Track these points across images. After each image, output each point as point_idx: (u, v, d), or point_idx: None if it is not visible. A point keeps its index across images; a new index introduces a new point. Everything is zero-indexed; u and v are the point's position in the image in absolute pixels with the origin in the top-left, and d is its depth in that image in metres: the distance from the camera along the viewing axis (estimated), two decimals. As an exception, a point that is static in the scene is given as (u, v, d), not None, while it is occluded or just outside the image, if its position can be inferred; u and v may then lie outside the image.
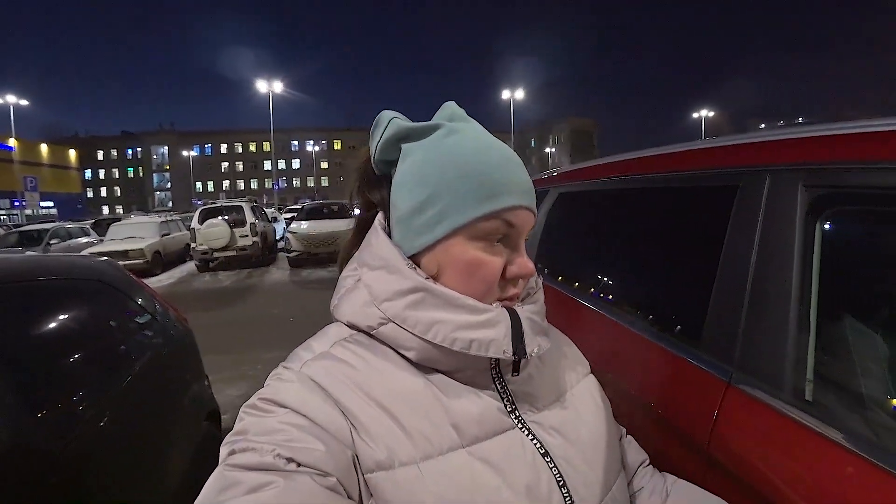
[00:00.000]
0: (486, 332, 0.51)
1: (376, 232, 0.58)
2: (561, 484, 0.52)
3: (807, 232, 0.83)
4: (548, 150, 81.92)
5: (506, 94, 33.36)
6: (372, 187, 0.62)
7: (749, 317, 0.86)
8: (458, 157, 0.53)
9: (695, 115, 50.63)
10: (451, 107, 0.61)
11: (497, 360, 0.55)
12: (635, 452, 0.73)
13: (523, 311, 0.55)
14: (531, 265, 0.55)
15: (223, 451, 0.46)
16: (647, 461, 0.73)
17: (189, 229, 12.65)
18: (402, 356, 0.54)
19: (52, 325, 1.48)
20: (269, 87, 28.99)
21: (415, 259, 0.55)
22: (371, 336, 0.56)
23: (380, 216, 0.60)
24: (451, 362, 0.53)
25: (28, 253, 2.33)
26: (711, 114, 51.07)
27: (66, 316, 1.56)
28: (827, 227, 0.82)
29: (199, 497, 0.42)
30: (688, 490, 0.67)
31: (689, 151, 1.18)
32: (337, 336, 0.57)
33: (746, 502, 0.73)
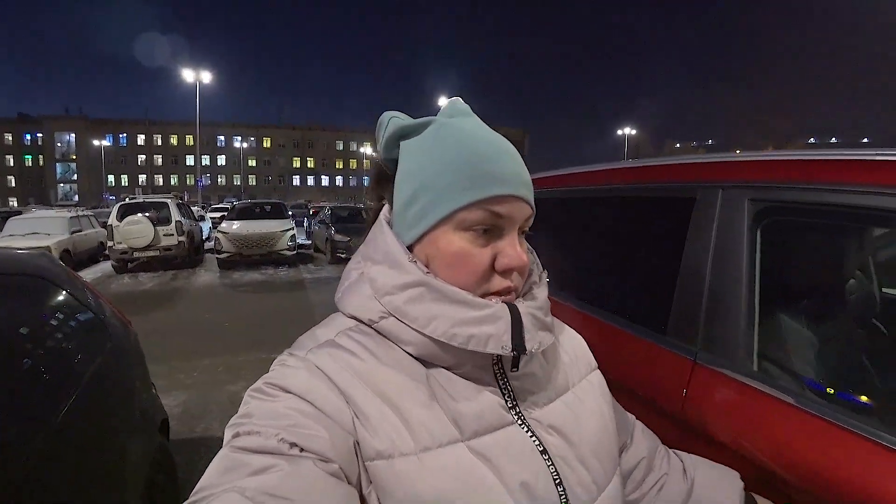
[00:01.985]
0: (485, 327, 0.51)
1: (380, 225, 0.59)
2: (557, 482, 0.52)
3: (752, 238, 1.02)
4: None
5: (442, 101, 33.77)
6: (382, 185, 0.63)
7: (708, 307, 1.04)
8: (444, 150, 0.54)
9: (619, 132, 54.05)
10: (454, 102, 0.61)
11: (499, 356, 0.55)
12: (649, 439, 0.76)
13: (524, 306, 0.54)
14: (524, 257, 0.53)
15: (228, 432, 0.47)
16: (660, 445, 0.77)
17: (104, 226, 11.68)
18: (404, 350, 0.55)
19: (10, 324, 1.38)
20: (197, 76, 27.42)
21: (410, 251, 0.56)
22: (374, 329, 0.56)
23: (385, 210, 0.61)
24: (451, 357, 0.53)
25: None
26: (634, 132, 54.78)
27: (20, 316, 1.45)
28: (767, 234, 1.02)
29: (203, 477, 0.43)
30: (707, 469, 0.75)
31: (654, 166, 1.35)
32: (342, 325, 0.57)
33: (717, 453, 0.87)
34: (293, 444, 0.43)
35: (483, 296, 0.53)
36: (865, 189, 0.85)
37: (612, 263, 1.50)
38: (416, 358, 0.54)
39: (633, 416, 0.78)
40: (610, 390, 1.17)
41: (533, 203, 0.55)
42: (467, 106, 0.61)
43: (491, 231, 0.52)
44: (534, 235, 1.82)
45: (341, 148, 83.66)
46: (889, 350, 1.15)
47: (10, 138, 71.57)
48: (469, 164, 0.52)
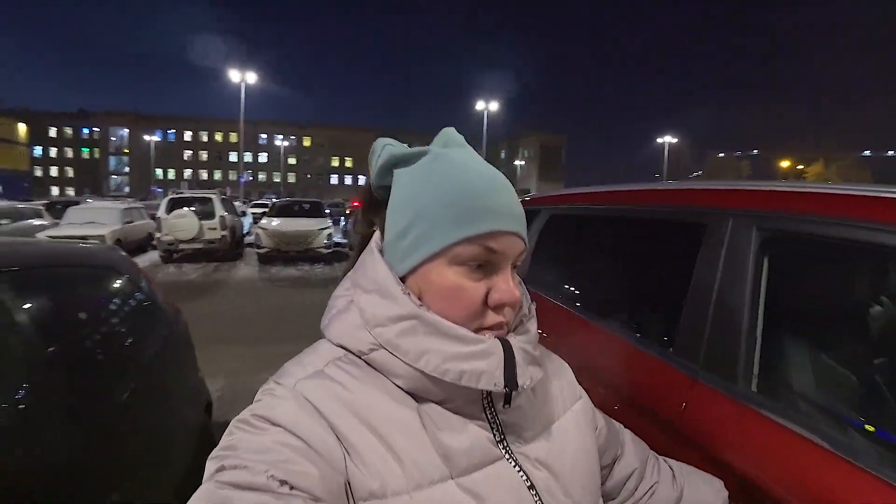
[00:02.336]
0: (478, 363, 0.50)
1: (371, 253, 0.58)
2: None
3: (758, 265, 1.08)
4: (517, 162, 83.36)
5: (479, 105, 33.90)
6: (373, 211, 0.63)
7: (712, 328, 1.10)
8: (438, 183, 0.53)
9: (659, 140, 52.81)
10: (447, 132, 0.62)
11: (489, 391, 0.55)
12: (640, 448, 0.79)
13: (516, 341, 0.54)
14: (517, 292, 0.54)
15: (210, 465, 0.45)
16: (650, 453, 0.80)
17: (154, 218, 12.31)
18: (394, 383, 0.54)
19: (70, 310, 1.56)
20: (242, 76, 28.43)
21: (402, 281, 0.55)
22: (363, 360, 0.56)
23: (376, 237, 0.60)
24: (441, 392, 0.53)
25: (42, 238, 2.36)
26: (675, 140, 53.41)
27: (95, 298, 1.65)
28: (774, 261, 1.08)
29: None
30: (695, 477, 0.79)
31: (669, 190, 1.43)
32: (331, 354, 0.56)
33: (709, 465, 0.93)
34: (283, 482, 0.42)
35: (476, 330, 0.53)
36: (866, 225, 0.89)
37: (626, 280, 1.58)
38: (406, 392, 0.53)
39: (623, 426, 0.80)
40: (614, 398, 1.26)
41: (526, 237, 0.56)
42: (461, 136, 0.61)
43: (484, 266, 0.52)
44: (553, 249, 1.92)
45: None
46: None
47: (70, 132, 75.71)
48: (463, 198, 0.52)
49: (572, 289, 1.75)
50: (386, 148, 0.59)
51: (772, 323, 1.05)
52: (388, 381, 0.54)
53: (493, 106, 34.19)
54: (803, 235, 1.01)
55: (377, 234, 0.61)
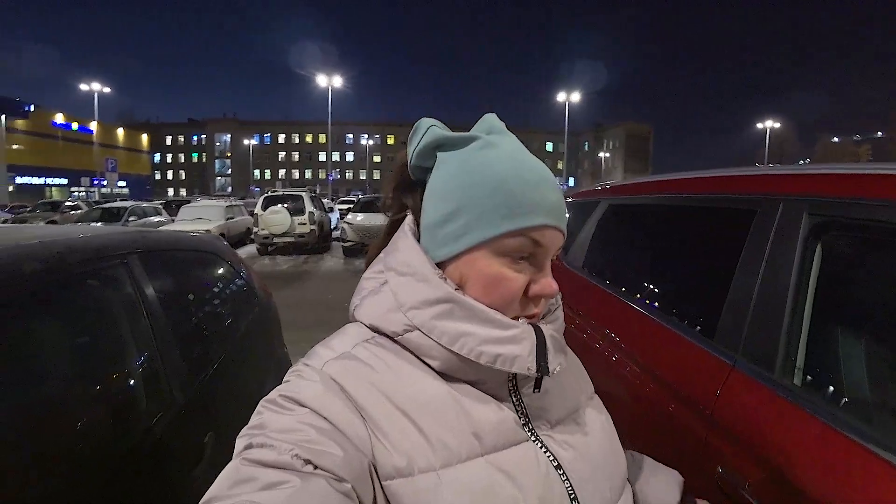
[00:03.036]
0: (512, 347, 0.51)
1: (405, 236, 0.58)
2: (572, 497, 0.52)
3: (806, 251, 1.05)
4: (602, 154, 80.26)
5: (561, 97, 33.13)
6: (406, 191, 0.63)
7: (753, 316, 1.09)
8: (490, 172, 0.53)
9: (759, 125, 48.22)
10: (490, 119, 0.61)
11: (514, 375, 0.56)
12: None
13: (547, 328, 0.55)
14: (555, 286, 0.55)
15: (239, 443, 0.46)
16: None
17: (251, 214, 13.50)
18: (425, 363, 0.54)
19: (196, 284, 1.89)
20: (329, 81, 30.02)
21: (439, 267, 0.55)
22: (394, 341, 0.56)
23: (409, 220, 0.60)
24: (473, 374, 0.54)
25: (162, 228, 2.77)
26: (777, 125, 48.40)
27: (203, 278, 1.96)
28: (826, 249, 1.05)
29: (212, 487, 0.42)
30: (651, 464, 0.75)
31: (720, 177, 1.42)
32: (359, 336, 0.57)
33: (739, 455, 0.95)
34: (307, 461, 0.43)
35: (511, 318, 0.54)
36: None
37: (673, 268, 1.58)
38: (438, 372, 0.54)
39: None
40: (647, 381, 1.29)
41: (565, 231, 0.56)
42: (503, 123, 0.61)
43: (527, 258, 0.53)
44: (609, 238, 1.95)
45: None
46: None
47: (182, 139, 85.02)
48: (516, 190, 0.52)
49: (623, 276, 1.78)
50: (432, 128, 0.58)
51: (821, 314, 1.00)
52: (418, 362, 0.54)
53: (575, 96, 33.23)
54: (858, 221, 0.97)
55: (410, 216, 0.61)
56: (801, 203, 1.09)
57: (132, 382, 1.26)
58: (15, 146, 41.39)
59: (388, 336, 0.56)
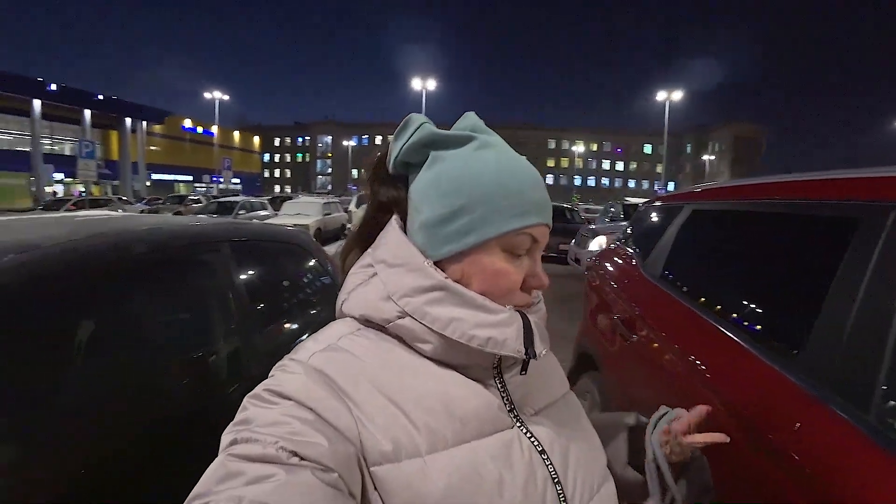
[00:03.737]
0: (502, 329, 0.53)
1: (394, 230, 0.59)
2: (556, 480, 0.54)
3: None
4: (705, 157, 74.58)
5: (661, 96, 31.29)
6: (386, 186, 0.63)
7: (849, 341, 0.95)
8: (493, 172, 0.55)
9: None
10: (472, 117, 0.62)
11: (499, 361, 0.58)
12: None
13: (532, 316, 0.58)
14: (546, 278, 0.59)
15: (225, 439, 0.46)
16: None
17: (346, 211, 14.29)
18: (413, 350, 0.56)
19: (280, 272, 2.08)
20: (423, 83, 30.86)
21: (438, 264, 0.56)
22: (383, 329, 0.57)
23: (397, 216, 0.61)
24: (463, 359, 0.55)
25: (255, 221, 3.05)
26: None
27: (287, 268, 2.13)
28: None
29: (197, 484, 0.42)
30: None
31: (818, 181, 1.27)
32: (345, 329, 0.58)
33: (813, 495, 0.84)
34: (292, 453, 0.43)
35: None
36: None
37: (759, 282, 1.42)
38: (423, 359, 0.56)
39: None
40: (712, 403, 1.15)
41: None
42: (482, 122, 0.62)
43: (525, 253, 0.57)
44: (690, 246, 1.81)
45: (553, 146, 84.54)
46: None
47: (288, 140, 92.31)
48: (519, 190, 0.55)
49: (702, 289, 1.64)
50: (424, 125, 0.58)
51: None
52: (404, 351, 0.56)
53: (677, 95, 31.22)
54: None
55: (396, 214, 0.61)
56: None
57: (216, 356, 1.41)
58: (152, 147, 47.62)
59: (378, 325, 0.57)
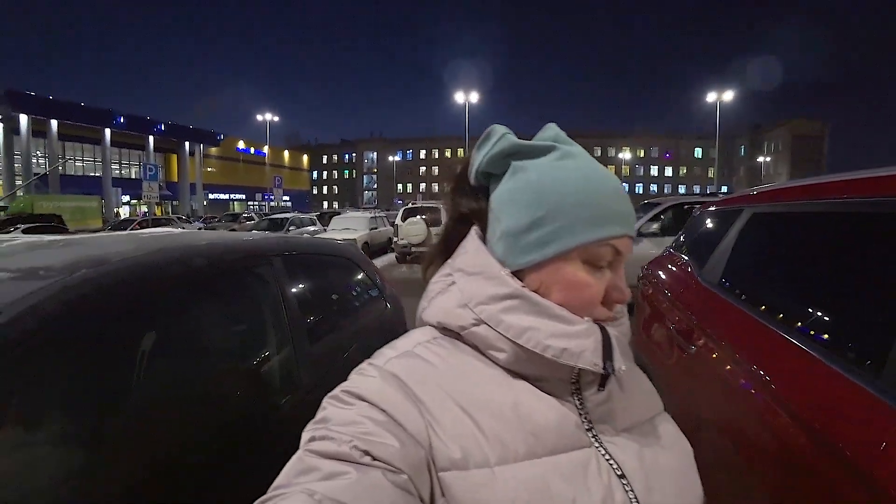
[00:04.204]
0: (579, 341, 0.52)
1: (474, 240, 0.60)
2: None
3: None
4: (761, 158, 70.99)
5: (712, 97, 30.17)
6: (467, 197, 0.64)
7: None
8: (576, 182, 0.55)
9: None
10: (554, 128, 0.62)
11: (578, 375, 0.56)
12: None
13: (613, 330, 0.55)
14: (629, 291, 0.57)
15: (304, 436, 0.48)
16: None
17: (393, 225, 14.53)
18: (489, 359, 0.56)
19: (329, 284, 2.15)
20: (466, 97, 31.10)
21: (517, 274, 0.56)
22: (459, 337, 0.57)
23: (476, 226, 0.62)
24: (538, 370, 0.54)
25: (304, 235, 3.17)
26: None
27: (336, 279, 2.19)
28: None
29: (278, 477, 0.45)
30: None
31: (886, 177, 1.16)
32: (422, 337, 0.59)
33: None
34: (365, 452, 0.44)
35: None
36: None
37: (830, 288, 1.32)
38: (499, 369, 0.55)
39: None
40: (789, 422, 1.06)
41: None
42: (564, 133, 0.62)
43: (607, 265, 0.55)
44: (751, 252, 1.71)
45: (599, 153, 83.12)
46: None
47: (336, 158, 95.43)
48: (602, 200, 0.54)
49: (767, 296, 1.54)
50: (506, 136, 0.59)
51: None
52: (479, 361, 0.56)
53: (728, 96, 30.00)
54: None
55: (476, 225, 0.62)
56: None
57: (269, 363, 1.46)
58: (209, 169, 50.43)
59: (454, 332, 0.57)
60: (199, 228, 23.44)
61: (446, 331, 0.58)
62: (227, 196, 54.06)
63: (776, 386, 1.22)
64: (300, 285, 1.76)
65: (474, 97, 31.13)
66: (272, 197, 36.23)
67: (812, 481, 0.98)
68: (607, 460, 0.53)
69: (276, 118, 40.50)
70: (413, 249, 13.09)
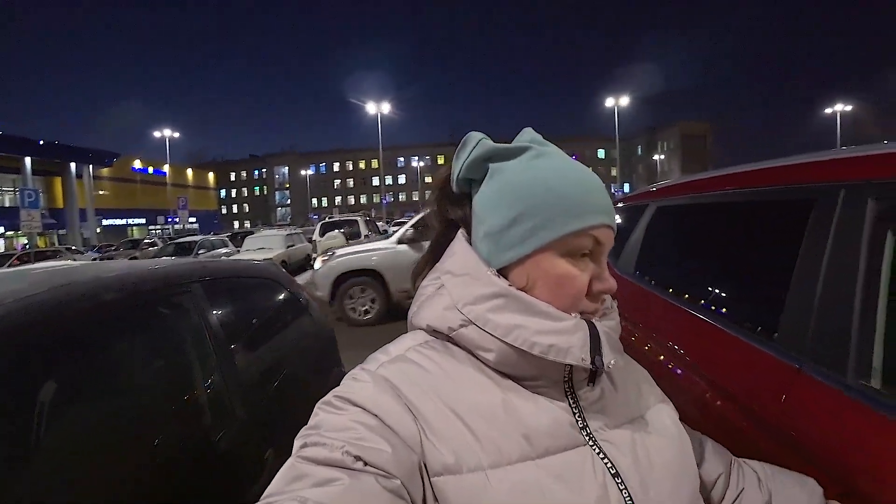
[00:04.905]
0: (566, 338, 0.52)
1: (461, 242, 0.61)
2: None
3: (874, 240, 0.97)
4: (656, 157, 77.46)
5: (609, 102, 32.52)
6: (452, 204, 0.65)
7: (819, 314, 1.01)
8: (550, 178, 0.56)
9: (828, 110, 44.42)
10: (530, 132, 0.63)
11: (570, 374, 0.56)
12: (722, 454, 0.73)
13: (601, 324, 0.56)
14: (614, 281, 0.57)
15: (296, 443, 0.48)
16: (732, 458, 0.74)
17: (310, 241, 14.08)
18: (480, 361, 0.56)
19: (255, 308, 2.03)
20: (378, 108, 31.04)
21: (503, 272, 0.57)
22: (450, 339, 0.58)
23: (463, 230, 0.63)
24: (528, 369, 0.54)
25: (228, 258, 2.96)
26: (849, 108, 44.14)
27: (261, 302, 2.07)
28: (895, 234, 0.96)
29: (271, 484, 0.45)
30: (783, 478, 0.72)
31: (772, 168, 1.34)
32: (413, 341, 0.59)
33: (808, 465, 0.85)
34: (357, 458, 0.44)
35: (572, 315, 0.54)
36: None
37: (728, 269, 1.50)
38: (490, 371, 0.55)
39: (704, 436, 0.77)
40: (708, 388, 1.20)
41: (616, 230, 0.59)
42: (540, 135, 0.63)
43: (588, 256, 0.56)
44: (658, 242, 1.86)
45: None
46: None
47: (244, 174, 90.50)
48: (577, 193, 0.55)
49: (674, 280, 1.70)
50: (483, 141, 0.60)
51: None
52: (471, 364, 0.56)
53: (624, 101, 32.51)
54: None
55: (462, 229, 0.63)
56: (864, 188, 1.02)
57: (198, 400, 1.35)
58: (101, 192, 45.63)
59: (444, 334, 0.58)
60: (94, 259, 21.26)
61: (437, 334, 0.59)
62: (123, 221, 49.21)
63: (690, 357, 1.38)
64: (224, 311, 1.66)
65: (386, 108, 31.16)
66: (177, 219, 33.57)
67: (729, 436, 1.10)
68: (602, 459, 0.53)
69: (177, 134, 37.73)
70: (334, 264, 12.80)
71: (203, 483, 1.18)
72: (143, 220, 50.31)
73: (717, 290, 1.48)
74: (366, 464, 0.44)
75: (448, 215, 0.66)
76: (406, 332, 0.63)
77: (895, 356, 0.90)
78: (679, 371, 1.40)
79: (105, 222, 45.86)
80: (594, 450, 0.53)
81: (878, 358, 0.90)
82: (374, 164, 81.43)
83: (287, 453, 0.48)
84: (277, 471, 0.46)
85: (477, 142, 0.60)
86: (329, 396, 0.52)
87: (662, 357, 1.51)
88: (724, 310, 1.37)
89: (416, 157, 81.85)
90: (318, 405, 0.51)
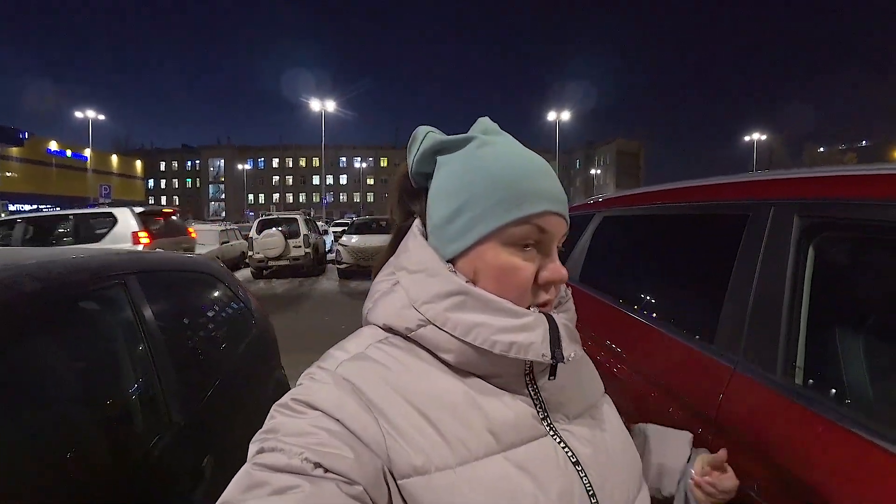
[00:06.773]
0: (526, 335, 0.51)
1: (415, 237, 0.59)
2: (591, 493, 0.52)
3: (799, 252, 1.07)
4: (593, 171, 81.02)
5: (551, 116, 33.66)
6: (411, 199, 0.64)
7: (752, 318, 1.11)
8: (490, 167, 0.54)
9: (747, 138, 49.06)
10: (484, 121, 0.62)
11: (531, 366, 0.56)
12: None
13: (559, 317, 0.55)
14: (564, 270, 0.56)
15: (251, 448, 0.46)
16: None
17: (246, 238, 13.49)
18: (439, 359, 0.54)
19: (193, 304, 1.91)
20: (322, 105, 30.37)
21: (452, 265, 0.56)
22: (408, 339, 0.56)
23: (417, 223, 0.61)
24: (489, 366, 0.53)
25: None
26: (764, 137, 49.18)
27: (199, 299, 1.96)
28: (816, 248, 1.07)
29: (225, 492, 0.42)
30: (657, 427, 0.82)
31: (711, 185, 1.45)
32: (372, 338, 0.56)
33: (745, 458, 0.93)
34: (317, 465, 0.43)
35: (525, 307, 0.54)
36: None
37: (669, 276, 1.60)
38: (451, 367, 0.54)
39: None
40: (650, 389, 1.28)
41: (568, 219, 0.57)
42: (496, 124, 0.62)
43: (534, 246, 0.54)
44: (603, 250, 1.95)
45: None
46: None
47: (176, 165, 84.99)
48: (516, 181, 0.53)
49: (620, 286, 1.79)
50: (429, 134, 0.59)
51: (819, 313, 1.02)
52: (433, 359, 0.54)
53: (566, 115, 33.77)
54: (846, 220, 0.99)
55: (417, 220, 0.62)
56: (791, 206, 1.12)
57: (130, 403, 1.25)
58: (8, 174, 41.32)
59: (401, 334, 0.56)
60: (-5, 249, 19.20)
61: (393, 331, 0.57)
62: (34, 207, 44.90)
63: (629, 356, 1.47)
64: (160, 308, 1.55)
65: (330, 105, 30.55)
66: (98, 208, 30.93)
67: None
68: (563, 449, 0.54)
69: (102, 117, 34.88)
70: (270, 263, 12.33)
71: (135, 493, 1.09)
72: (57, 208, 45.98)
73: (660, 297, 1.57)
74: (326, 470, 0.43)
75: (406, 210, 0.65)
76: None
77: (815, 356, 1.00)
78: (618, 366, 1.48)
79: (12, 207, 41.53)
80: (556, 440, 0.54)
81: (801, 357, 1.00)
82: (316, 162, 79.51)
83: (226, 459, 0.45)
84: (216, 479, 0.44)
85: (425, 135, 0.60)
86: (286, 399, 0.49)
87: (602, 354, 1.59)
88: (667, 314, 1.46)
89: (359, 158, 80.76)
90: (274, 407, 0.49)
